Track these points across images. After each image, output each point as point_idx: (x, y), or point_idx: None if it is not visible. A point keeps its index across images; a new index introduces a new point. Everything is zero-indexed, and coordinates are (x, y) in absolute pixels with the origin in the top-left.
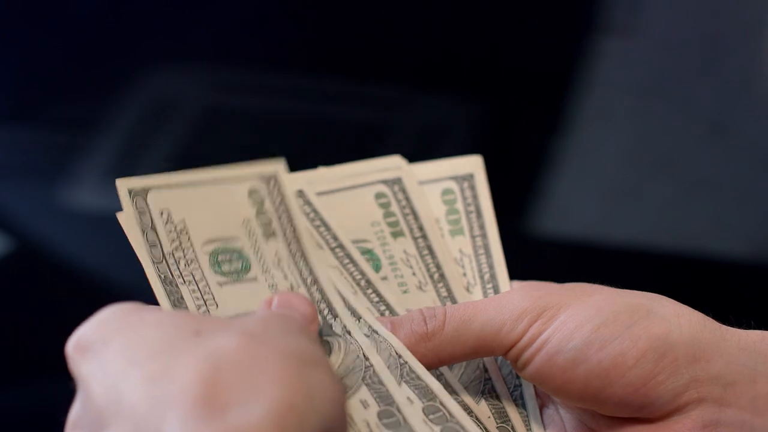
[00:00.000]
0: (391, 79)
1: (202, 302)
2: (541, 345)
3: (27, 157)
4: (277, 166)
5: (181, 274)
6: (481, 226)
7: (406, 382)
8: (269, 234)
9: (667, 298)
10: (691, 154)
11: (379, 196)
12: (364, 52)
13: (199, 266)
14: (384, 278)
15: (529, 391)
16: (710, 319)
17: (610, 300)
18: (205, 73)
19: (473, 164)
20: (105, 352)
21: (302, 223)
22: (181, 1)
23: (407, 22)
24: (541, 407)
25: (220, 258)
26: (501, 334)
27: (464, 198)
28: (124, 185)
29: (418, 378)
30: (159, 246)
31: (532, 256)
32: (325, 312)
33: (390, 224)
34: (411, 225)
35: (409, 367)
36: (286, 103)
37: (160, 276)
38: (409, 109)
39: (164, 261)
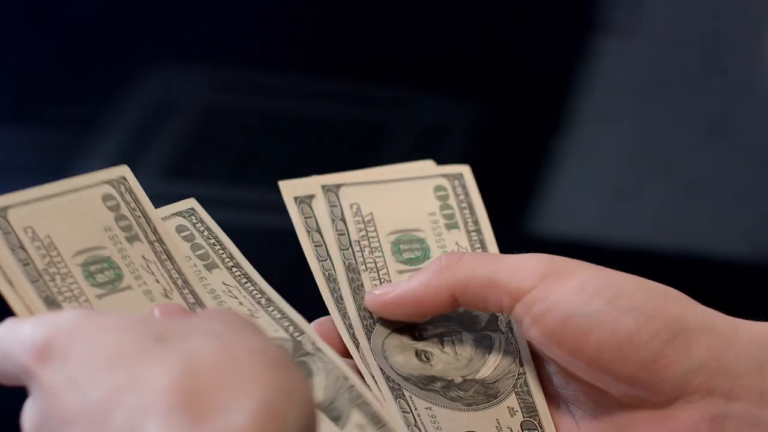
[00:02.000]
0: (391, 79)
1: None
2: (554, 303)
3: (27, 157)
4: (122, 170)
5: (60, 291)
6: (476, 222)
7: (358, 407)
8: (132, 238)
9: (676, 290)
10: (691, 154)
11: (438, 189)
12: (364, 52)
13: (76, 280)
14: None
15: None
16: (719, 312)
17: (627, 276)
18: (205, 73)
19: (461, 167)
20: (68, 360)
21: (161, 224)
22: (181, 1)
23: (407, 22)
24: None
25: (92, 269)
26: (515, 279)
27: (456, 195)
28: None
29: (366, 403)
30: (32, 264)
31: None
32: (290, 329)
33: (446, 216)
34: (466, 218)
35: (357, 391)
36: (286, 103)
37: (41, 296)
38: (409, 109)
39: (41, 279)
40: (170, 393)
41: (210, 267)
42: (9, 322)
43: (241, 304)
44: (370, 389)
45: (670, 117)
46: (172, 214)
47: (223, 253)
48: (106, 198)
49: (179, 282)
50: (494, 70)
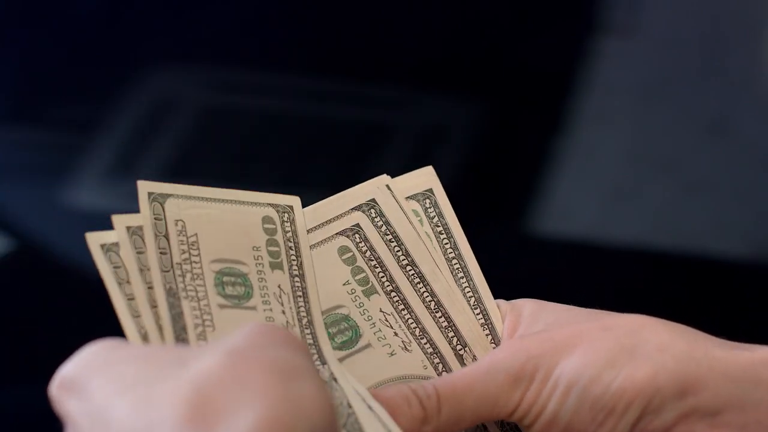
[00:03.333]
0: (391, 79)
1: (200, 321)
2: (538, 411)
3: (27, 157)
4: (293, 199)
5: (185, 288)
6: (454, 247)
7: None
8: (276, 266)
9: (651, 322)
10: (691, 154)
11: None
12: (364, 52)
13: (204, 283)
14: (367, 345)
15: None
16: (698, 340)
17: (594, 348)
18: (205, 73)
19: (428, 177)
20: (88, 388)
21: (309, 262)
22: (181, 1)
23: (407, 22)
24: None
25: (225, 279)
26: (498, 406)
27: (429, 218)
28: (144, 188)
29: None
30: (169, 254)
31: (532, 256)
32: (315, 357)
33: (360, 281)
34: (381, 280)
35: (356, 417)
36: (286, 103)
37: (165, 286)
38: (409, 109)
39: (171, 271)
40: (179, 409)
41: (273, 267)
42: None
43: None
44: None
45: (670, 117)
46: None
47: (294, 258)
48: (266, 220)
49: (305, 321)
50: (494, 70)
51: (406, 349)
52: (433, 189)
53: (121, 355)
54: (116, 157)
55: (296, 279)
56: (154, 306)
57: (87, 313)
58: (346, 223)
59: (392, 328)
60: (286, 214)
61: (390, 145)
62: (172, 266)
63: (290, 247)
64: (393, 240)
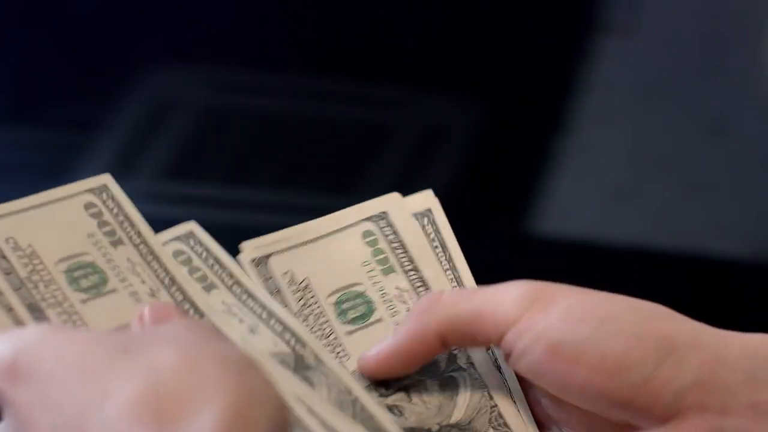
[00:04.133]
0: (391, 79)
1: (71, 324)
2: (540, 333)
3: (27, 157)
4: (104, 178)
5: (44, 297)
6: (449, 259)
7: (362, 421)
8: (116, 243)
9: (663, 306)
10: (691, 154)
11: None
12: (364, 52)
13: (59, 287)
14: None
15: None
16: (707, 325)
17: (612, 298)
18: (205, 73)
19: (427, 199)
20: (36, 377)
21: (145, 227)
22: (180, 1)
23: (407, 22)
24: (544, 429)
25: (76, 275)
26: (498, 312)
27: (427, 234)
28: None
29: (371, 418)
30: (14, 272)
31: (532, 256)
32: (191, 312)
33: (380, 262)
34: (401, 259)
35: (361, 404)
36: (286, 103)
37: (24, 303)
38: (409, 109)
39: (23, 287)
40: (135, 406)
41: (116, 244)
42: None
43: (143, 282)
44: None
45: (670, 117)
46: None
47: (130, 230)
48: (88, 206)
49: (166, 281)
50: (494, 70)
51: None
52: (432, 209)
53: (65, 339)
54: (116, 157)
55: (141, 246)
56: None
57: None
58: (370, 211)
59: (407, 303)
60: (104, 194)
61: (390, 145)
62: (21, 283)
63: (121, 221)
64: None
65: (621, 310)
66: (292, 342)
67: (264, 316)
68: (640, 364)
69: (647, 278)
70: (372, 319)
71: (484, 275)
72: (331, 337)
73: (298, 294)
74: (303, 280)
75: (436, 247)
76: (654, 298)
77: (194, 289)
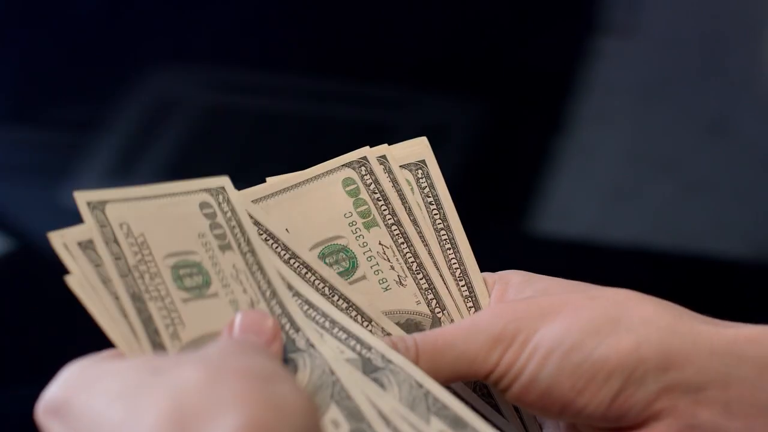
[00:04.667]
0: (391, 79)
1: (170, 321)
2: (516, 374)
3: (27, 157)
4: (222, 180)
5: (147, 289)
6: (443, 219)
7: (435, 413)
8: (225, 247)
9: (636, 296)
10: (691, 154)
11: (347, 182)
12: (364, 52)
13: (164, 280)
14: (362, 277)
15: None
16: (683, 316)
17: (578, 315)
18: (205, 73)
19: (421, 148)
20: (71, 410)
21: (255, 235)
22: (181, 1)
23: (407, 22)
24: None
25: (181, 273)
26: (475, 365)
27: (421, 188)
28: (82, 198)
29: (445, 407)
30: (123, 259)
31: (532, 256)
32: (287, 327)
33: (361, 214)
34: (383, 213)
35: (434, 396)
36: (286, 103)
37: (128, 291)
38: (409, 109)
39: (130, 274)
40: (160, 423)
41: (224, 248)
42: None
43: (245, 291)
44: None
45: (670, 117)
46: (200, 189)
47: (240, 237)
48: (204, 206)
49: (267, 293)
50: (494, 70)
51: (401, 283)
52: (426, 160)
53: (100, 372)
54: (116, 157)
55: (248, 255)
56: (125, 315)
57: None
58: (352, 157)
59: (389, 261)
60: (220, 196)
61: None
62: (129, 270)
63: (233, 226)
64: (393, 184)
65: (587, 329)
66: (358, 347)
67: (327, 325)
68: (605, 385)
69: (647, 278)
70: (356, 276)
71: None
72: (325, 289)
73: (280, 248)
74: (279, 235)
75: (431, 203)
76: None
77: (294, 305)
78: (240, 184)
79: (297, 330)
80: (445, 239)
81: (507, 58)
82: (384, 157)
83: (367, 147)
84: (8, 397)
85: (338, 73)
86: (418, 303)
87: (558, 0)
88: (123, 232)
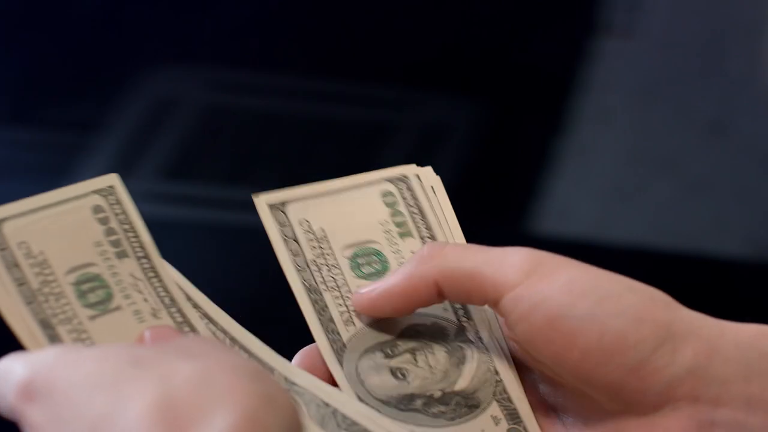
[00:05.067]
0: (391, 79)
1: (81, 343)
2: (540, 302)
3: (27, 157)
4: (111, 179)
5: (55, 313)
6: (440, 225)
7: (345, 429)
8: (122, 254)
9: (662, 292)
10: (691, 154)
11: (386, 194)
12: (364, 52)
13: (69, 301)
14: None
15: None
16: (704, 315)
17: (614, 276)
18: (205, 73)
19: (407, 168)
20: (50, 397)
21: (147, 239)
22: (181, 1)
23: (407, 22)
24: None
25: (83, 288)
26: (500, 272)
27: (404, 199)
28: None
29: (354, 424)
30: (27, 284)
31: None
32: (187, 332)
33: (397, 224)
34: (419, 225)
35: (341, 414)
36: (286, 103)
37: (36, 319)
38: (409, 109)
39: (35, 301)
40: (150, 415)
41: (121, 255)
42: (3, 363)
43: (146, 300)
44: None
45: (670, 117)
46: (91, 191)
47: (134, 241)
48: (96, 210)
49: (166, 300)
50: (494, 70)
51: None
52: (434, 187)
53: (77, 356)
54: (116, 157)
55: (143, 261)
56: (38, 344)
57: None
58: (392, 173)
59: None
60: (111, 196)
61: (390, 145)
62: (33, 296)
63: (126, 230)
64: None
65: (621, 290)
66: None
67: (167, 301)
68: (636, 347)
69: (647, 278)
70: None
71: None
72: (344, 289)
73: (313, 243)
74: (320, 230)
75: (415, 214)
76: None
77: (193, 313)
78: (240, 184)
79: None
80: None
81: (507, 58)
82: (418, 176)
83: (409, 166)
84: None
85: (338, 73)
86: (446, 310)
87: (558, 0)
88: (23, 252)
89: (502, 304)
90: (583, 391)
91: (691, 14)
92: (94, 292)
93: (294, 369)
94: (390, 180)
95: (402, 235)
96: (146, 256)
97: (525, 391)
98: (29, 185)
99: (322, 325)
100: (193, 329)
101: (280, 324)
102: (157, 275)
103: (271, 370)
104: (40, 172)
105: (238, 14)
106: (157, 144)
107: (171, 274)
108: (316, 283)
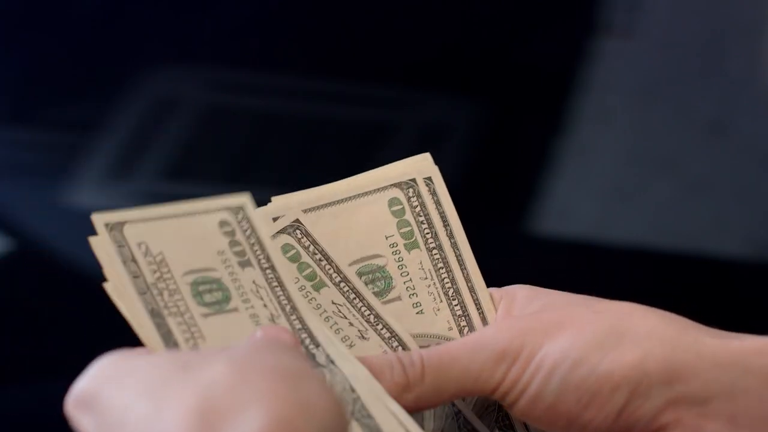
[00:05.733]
0: (391, 79)
1: (189, 335)
2: (522, 389)
3: (27, 157)
4: (242, 198)
5: (167, 305)
6: (450, 235)
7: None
8: (245, 264)
9: (640, 308)
10: (691, 154)
11: (393, 203)
12: (364, 52)
13: (183, 297)
14: (396, 298)
15: None
16: (688, 328)
17: (583, 330)
18: (205, 73)
19: (426, 165)
20: (100, 403)
21: (275, 251)
22: (181, 1)
23: (407, 21)
24: None
25: (200, 289)
26: (480, 381)
27: (413, 208)
28: (100, 219)
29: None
30: (142, 277)
31: (532, 256)
32: (307, 342)
33: (404, 235)
34: (426, 235)
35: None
36: (286, 103)
37: (146, 308)
38: (409, 109)
39: (148, 292)
40: (187, 418)
41: (244, 264)
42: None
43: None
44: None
45: (670, 117)
46: (220, 208)
47: (260, 254)
48: (223, 224)
49: (288, 308)
50: (494, 70)
51: (435, 310)
52: (432, 177)
53: (130, 366)
54: (116, 157)
55: (268, 271)
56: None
57: (87, 313)
58: (401, 177)
59: (426, 284)
60: (239, 214)
61: (390, 145)
62: (147, 287)
63: (252, 243)
64: (441, 214)
65: (591, 343)
66: (307, 341)
67: (288, 309)
68: (612, 398)
69: (647, 278)
70: (390, 296)
71: (485, 275)
72: (364, 311)
73: (321, 263)
74: (320, 250)
75: (422, 223)
76: (654, 298)
77: (314, 320)
78: (240, 184)
79: (317, 345)
80: (458, 256)
81: (507, 58)
82: (430, 179)
83: (418, 159)
84: (8, 397)
85: (338, 73)
86: (450, 329)
87: (558, 0)
88: (141, 251)
89: (492, 397)
90: None
91: (691, 14)
92: (211, 293)
93: (341, 350)
94: (397, 185)
95: (408, 246)
96: (271, 267)
97: (517, 421)
98: (29, 185)
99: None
100: (311, 336)
101: None
102: (281, 285)
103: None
104: (40, 172)
105: (238, 14)
106: (157, 144)
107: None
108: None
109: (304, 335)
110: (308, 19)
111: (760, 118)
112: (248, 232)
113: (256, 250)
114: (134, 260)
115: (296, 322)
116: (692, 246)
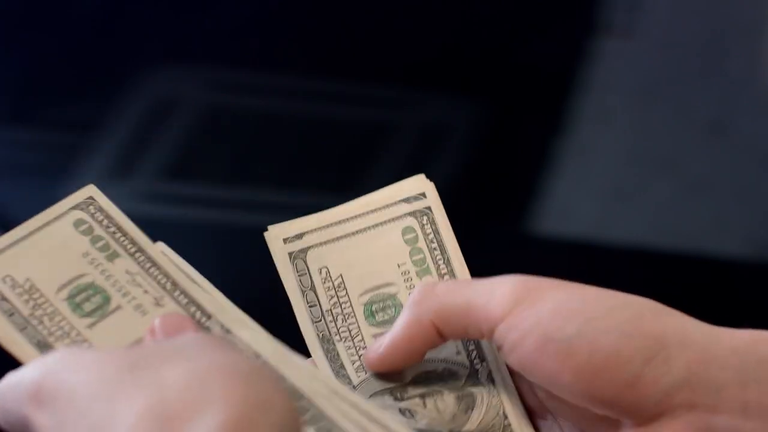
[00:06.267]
0: (391, 79)
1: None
2: (529, 329)
3: (27, 157)
4: (89, 190)
5: (50, 332)
6: (447, 262)
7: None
8: (112, 256)
9: (653, 301)
10: (691, 154)
11: (407, 231)
12: (364, 52)
13: (63, 317)
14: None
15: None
16: (699, 321)
17: (603, 293)
18: (205, 73)
19: (427, 190)
20: (56, 402)
21: (137, 232)
22: (181, 1)
23: (407, 21)
24: (539, 418)
25: (78, 300)
26: (490, 305)
27: (426, 234)
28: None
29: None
30: (17, 313)
31: (532, 256)
32: (198, 315)
33: (416, 263)
34: (438, 262)
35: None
36: (286, 103)
37: (32, 342)
38: (409, 109)
39: (28, 326)
40: (143, 420)
41: (112, 257)
42: (9, 375)
43: (146, 292)
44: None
45: (670, 117)
46: (69, 208)
47: (124, 240)
48: (78, 223)
49: (168, 286)
50: (494, 70)
51: None
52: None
53: (81, 361)
54: (116, 157)
55: (137, 254)
56: None
57: None
58: (415, 207)
59: None
60: (90, 207)
61: (390, 145)
62: (26, 321)
63: (113, 232)
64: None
65: (611, 306)
66: (198, 314)
67: (168, 286)
68: (628, 363)
69: (647, 278)
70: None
71: (484, 276)
72: (357, 338)
73: (331, 292)
74: (337, 277)
75: (434, 248)
76: (654, 298)
77: (198, 291)
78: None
79: (209, 317)
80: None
81: (507, 58)
82: (429, 208)
83: (425, 185)
84: None
85: (338, 73)
86: (459, 353)
87: (558, 0)
88: (8, 285)
89: (495, 335)
90: (580, 404)
91: (691, 14)
92: (90, 300)
93: (234, 321)
94: (413, 215)
95: (420, 274)
96: (140, 250)
97: (522, 395)
98: (29, 185)
99: (333, 370)
100: (200, 308)
101: (280, 324)
102: (154, 264)
103: (209, 316)
104: (40, 172)
105: (238, 14)
106: (157, 144)
107: (174, 259)
108: (329, 333)
109: (193, 309)
110: (308, 19)
111: (760, 118)
112: (105, 222)
113: (119, 238)
114: (4, 298)
115: (181, 297)
116: (692, 246)
